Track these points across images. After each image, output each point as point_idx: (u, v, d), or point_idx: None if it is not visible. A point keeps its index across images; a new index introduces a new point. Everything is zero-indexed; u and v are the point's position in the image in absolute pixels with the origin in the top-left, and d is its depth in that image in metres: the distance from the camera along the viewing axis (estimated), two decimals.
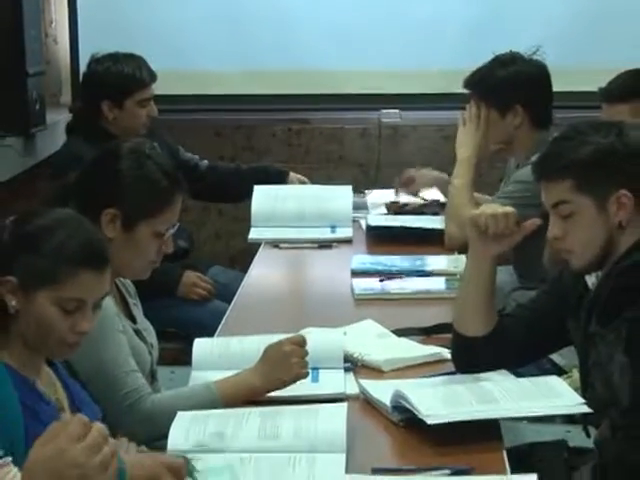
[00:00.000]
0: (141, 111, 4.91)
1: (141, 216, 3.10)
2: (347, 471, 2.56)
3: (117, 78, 4.88)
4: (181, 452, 2.58)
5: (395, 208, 5.02)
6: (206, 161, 5.31)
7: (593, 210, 2.89)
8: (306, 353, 3.00)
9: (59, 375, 2.68)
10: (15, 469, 2.21)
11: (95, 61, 4.90)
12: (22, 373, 2.45)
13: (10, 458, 2.21)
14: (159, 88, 5.28)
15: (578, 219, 2.91)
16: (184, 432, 2.74)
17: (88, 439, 1.85)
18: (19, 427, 2.34)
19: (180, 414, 2.83)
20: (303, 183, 5.32)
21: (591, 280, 2.98)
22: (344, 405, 2.88)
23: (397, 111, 6.12)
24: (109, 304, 3.01)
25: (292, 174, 5.32)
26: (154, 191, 3.13)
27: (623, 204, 2.87)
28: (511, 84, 4.48)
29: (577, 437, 3.18)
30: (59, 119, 5.78)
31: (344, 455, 2.63)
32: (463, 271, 3.27)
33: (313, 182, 5.56)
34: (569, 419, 3.25)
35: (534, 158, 4.24)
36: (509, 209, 3.07)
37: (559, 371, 3.54)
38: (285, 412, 2.84)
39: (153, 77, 4.97)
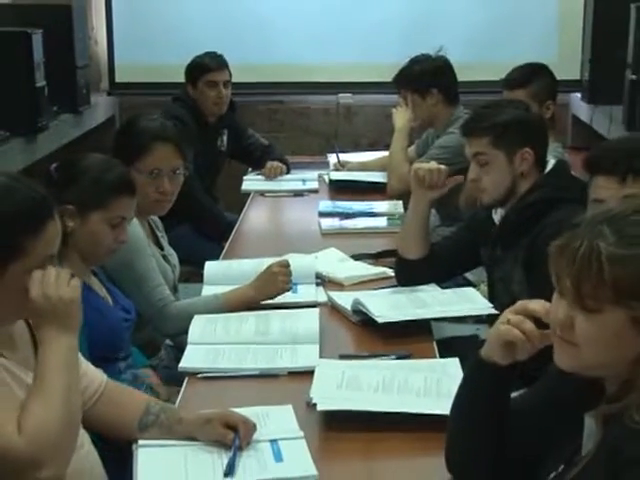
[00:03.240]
0: (209, 91, 4.87)
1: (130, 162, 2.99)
2: (320, 356, 2.58)
3: (193, 64, 4.94)
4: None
5: (338, 166, 4.99)
6: (264, 141, 5.19)
7: (503, 161, 2.91)
8: (290, 273, 3.00)
9: (100, 280, 2.72)
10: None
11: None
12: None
13: None
14: (174, 77, 5.28)
15: (491, 167, 2.93)
16: (200, 329, 2.77)
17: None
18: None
19: (197, 316, 2.85)
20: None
21: (497, 217, 3.01)
22: (316, 310, 2.91)
23: (351, 95, 6.10)
24: (141, 235, 3.02)
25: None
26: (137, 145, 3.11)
27: (526, 159, 2.91)
28: (425, 74, 4.48)
29: (483, 333, 3.21)
30: (100, 100, 5.75)
31: (318, 345, 2.66)
32: (406, 212, 3.27)
33: (287, 148, 5.54)
34: (478, 319, 3.25)
35: (451, 129, 4.32)
36: (442, 167, 3.09)
37: (470, 285, 3.55)
38: (273, 315, 2.86)
39: (220, 66, 4.91)
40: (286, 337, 2.70)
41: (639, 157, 2.37)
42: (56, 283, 1.86)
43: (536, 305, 1.72)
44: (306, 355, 2.60)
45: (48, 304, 1.85)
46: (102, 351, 2.26)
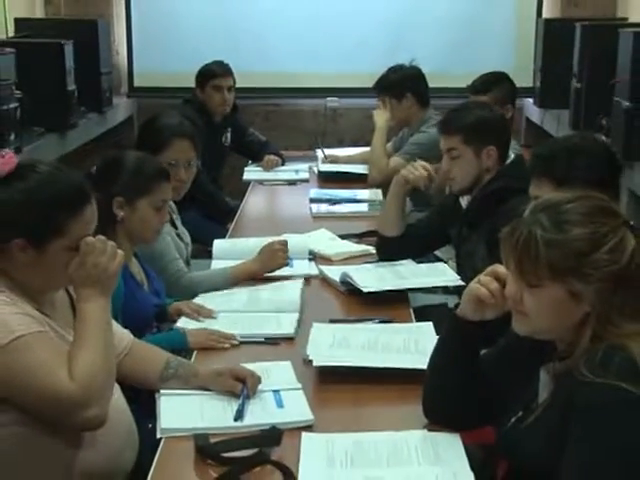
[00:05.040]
0: (216, 94, 4.83)
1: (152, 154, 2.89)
2: (314, 321, 2.55)
3: (202, 71, 4.88)
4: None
5: (325, 160, 4.95)
6: (262, 138, 5.15)
7: (472, 156, 2.93)
8: (287, 250, 3.02)
9: (139, 262, 2.71)
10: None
11: None
12: None
13: None
14: (184, 83, 5.27)
15: (461, 161, 2.94)
16: (203, 301, 2.77)
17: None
18: (119, 299, 2.35)
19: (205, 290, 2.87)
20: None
21: (464, 202, 3.02)
22: (300, 281, 2.92)
23: (337, 99, 6.09)
24: None
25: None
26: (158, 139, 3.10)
27: (491, 155, 2.92)
28: (401, 81, 4.48)
29: (451, 301, 3.22)
30: (120, 102, 5.72)
31: (297, 314, 2.65)
32: (385, 198, 3.27)
33: (281, 144, 5.50)
34: (447, 290, 3.27)
35: (423, 128, 4.33)
36: (423, 164, 3.12)
37: (440, 261, 3.56)
38: (263, 288, 2.88)
39: (225, 72, 4.85)
40: (271, 306, 2.70)
41: (543, 160, 2.34)
42: (106, 256, 1.88)
43: (504, 270, 1.76)
44: (287, 320, 2.60)
45: (95, 272, 1.87)
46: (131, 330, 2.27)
